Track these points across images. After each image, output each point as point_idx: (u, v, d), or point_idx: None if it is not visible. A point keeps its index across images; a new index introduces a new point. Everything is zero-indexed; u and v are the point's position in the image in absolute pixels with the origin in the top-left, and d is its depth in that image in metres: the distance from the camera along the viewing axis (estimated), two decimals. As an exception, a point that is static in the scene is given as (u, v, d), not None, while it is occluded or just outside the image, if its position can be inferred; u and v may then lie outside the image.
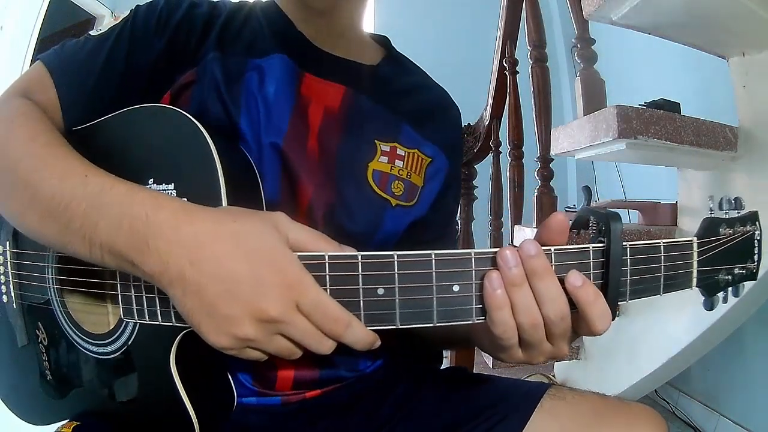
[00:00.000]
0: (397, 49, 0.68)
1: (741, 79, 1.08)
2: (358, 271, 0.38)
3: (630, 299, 0.41)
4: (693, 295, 0.45)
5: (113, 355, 0.48)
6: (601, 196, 2.50)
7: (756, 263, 0.45)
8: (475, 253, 0.38)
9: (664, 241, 0.41)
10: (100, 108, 0.50)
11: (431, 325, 0.38)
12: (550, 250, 0.38)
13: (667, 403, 1.83)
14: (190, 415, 0.44)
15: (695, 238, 0.43)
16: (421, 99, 0.64)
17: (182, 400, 0.44)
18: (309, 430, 0.56)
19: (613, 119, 0.95)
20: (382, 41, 0.67)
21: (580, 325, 0.39)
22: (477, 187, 1.92)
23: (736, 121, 1.09)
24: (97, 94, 0.51)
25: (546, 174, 1.38)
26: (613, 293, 0.39)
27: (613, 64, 1.90)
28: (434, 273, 0.38)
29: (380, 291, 0.38)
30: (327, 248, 0.39)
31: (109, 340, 0.48)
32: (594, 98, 1.24)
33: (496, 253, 0.38)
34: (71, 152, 0.43)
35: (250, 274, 0.36)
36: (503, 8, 1.68)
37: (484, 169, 1.89)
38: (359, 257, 0.38)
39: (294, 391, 0.56)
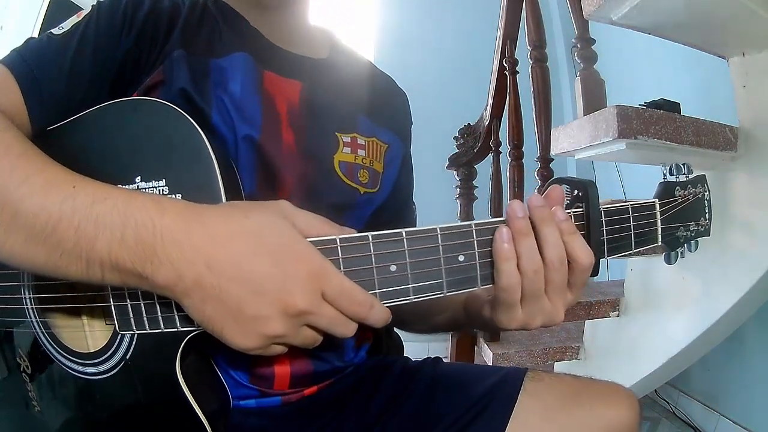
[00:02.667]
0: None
1: (741, 79, 1.08)
2: (370, 251, 0.39)
3: (608, 256, 0.46)
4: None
5: (110, 373, 0.45)
6: (601, 196, 2.50)
7: (708, 221, 0.52)
8: (476, 225, 0.41)
9: (631, 203, 0.47)
10: (68, 111, 0.47)
11: (442, 294, 0.41)
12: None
13: (667, 403, 1.83)
14: (203, 423, 0.43)
15: (656, 200, 0.49)
16: (371, 88, 0.67)
17: (192, 408, 0.42)
18: (307, 429, 0.56)
19: (613, 119, 0.95)
20: (327, 33, 0.68)
21: (571, 269, 0.42)
22: (477, 187, 1.91)
23: (736, 121, 1.08)
24: (65, 96, 0.48)
25: (546, 174, 1.38)
26: (595, 252, 0.43)
27: (613, 64, 1.89)
28: (441, 246, 0.40)
29: (393, 268, 0.40)
30: (331, 231, 0.39)
31: (104, 357, 0.45)
32: (594, 98, 1.24)
33: (494, 223, 0.42)
34: (51, 161, 0.39)
35: (274, 269, 0.35)
36: (503, 8, 1.68)
37: (484, 169, 1.89)
38: (370, 237, 0.39)
39: (292, 390, 0.56)
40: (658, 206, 0.48)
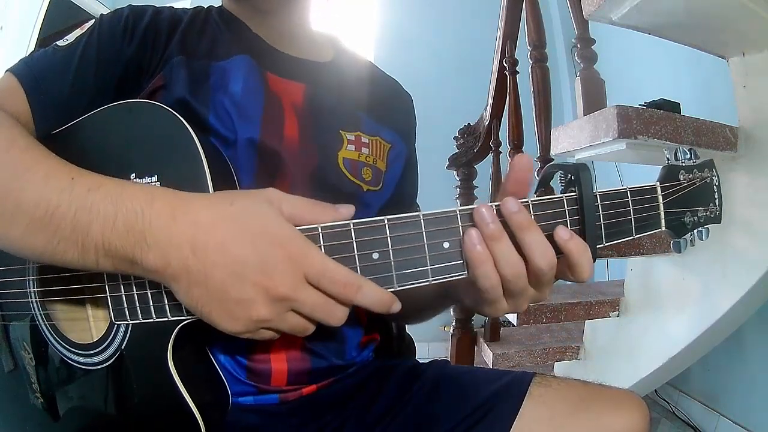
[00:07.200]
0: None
1: (741, 79, 1.08)
2: (351, 239, 0.39)
3: (607, 242, 0.43)
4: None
5: (107, 363, 0.46)
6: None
7: (718, 207, 0.49)
8: (460, 210, 0.40)
9: (630, 186, 0.45)
10: (72, 116, 0.50)
11: (427, 282, 0.40)
12: (527, 202, 0.41)
13: (667, 403, 1.83)
14: (194, 414, 0.43)
15: (658, 183, 0.46)
16: (374, 89, 0.67)
17: (183, 398, 0.43)
18: (305, 429, 0.56)
19: (613, 119, 0.95)
20: (332, 38, 0.70)
21: (565, 274, 0.41)
22: (477, 187, 1.91)
23: (736, 121, 1.09)
24: (69, 104, 0.51)
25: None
26: (591, 238, 0.41)
27: (613, 64, 1.90)
28: (424, 233, 0.39)
29: (375, 255, 0.39)
30: (322, 213, 0.39)
31: (101, 347, 0.46)
32: (594, 98, 1.24)
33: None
34: (52, 156, 0.41)
35: (255, 254, 0.36)
36: (503, 8, 1.68)
37: (484, 169, 1.89)
38: (351, 225, 0.39)
39: (290, 387, 0.56)
40: (659, 190, 0.46)
